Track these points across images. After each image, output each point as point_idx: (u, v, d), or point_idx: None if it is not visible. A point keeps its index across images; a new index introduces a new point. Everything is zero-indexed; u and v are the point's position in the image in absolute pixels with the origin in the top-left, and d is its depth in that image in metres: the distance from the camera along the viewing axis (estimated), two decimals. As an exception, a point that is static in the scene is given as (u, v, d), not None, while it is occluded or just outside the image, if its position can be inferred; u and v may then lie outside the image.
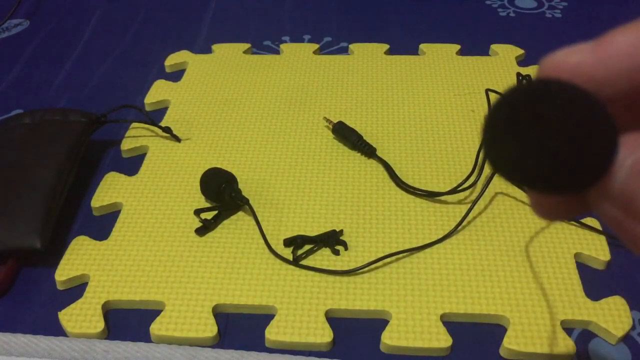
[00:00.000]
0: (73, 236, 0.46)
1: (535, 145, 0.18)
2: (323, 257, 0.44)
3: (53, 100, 0.61)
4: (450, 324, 0.40)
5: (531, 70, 0.62)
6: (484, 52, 0.66)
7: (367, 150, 0.52)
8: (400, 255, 0.44)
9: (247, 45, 0.67)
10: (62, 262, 0.44)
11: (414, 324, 0.39)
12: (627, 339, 0.39)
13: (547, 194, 0.19)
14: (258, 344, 0.39)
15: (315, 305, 0.41)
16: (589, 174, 0.18)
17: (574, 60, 0.19)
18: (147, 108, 0.60)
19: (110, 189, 0.50)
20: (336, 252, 0.44)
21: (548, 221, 0.22)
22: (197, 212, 0.47)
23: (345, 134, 0.53)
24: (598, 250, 0.44)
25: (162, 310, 0.41)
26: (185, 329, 0.39)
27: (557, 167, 0.18)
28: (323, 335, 0.39)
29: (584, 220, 0.46)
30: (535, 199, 0.22)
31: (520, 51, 0.65)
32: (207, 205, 0.48)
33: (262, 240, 0.45)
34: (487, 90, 0.53)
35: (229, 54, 0.66)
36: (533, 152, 0.18)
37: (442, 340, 0.39)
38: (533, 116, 0.18)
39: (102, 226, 0.48)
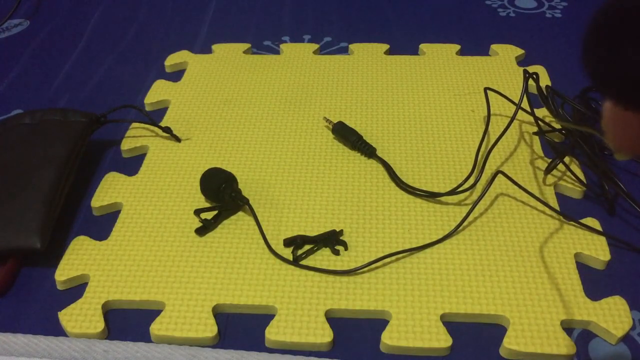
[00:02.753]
0: (73, 236, 0.46)
1: None
2: (323, 257, 0.44)
3: (53, 100, 0.61)
4: (450, 324, 0.40)
5: (531, 70, 0.62)
6: (484, 52, 0.66)
7: (367, 150, 0.52)
8: (400, 255, 0.44)
9: (247, 45, 0.67)
10: (62, 262, 0.44)
11: (414, 324, 0.39)
12: (627, 339, 0.39)
13: None
14: (258, 344, 0.39)
15: (315, 305, 0.41)
16: None
17: None
18: (147, 108, 0.60)
19: (110, 189, 0.50)
20: (336, 252, 0.44)
21: (622, 155, 0.21)
22: (197, 212, 0.47)
23: (345, 134, 0.53)
24: (598, 250, 0.44)
25: (162, 310, 0.41)
26: (185, 329, 0.39)
27: None
28: (323, 335, 0.39)
29: (583, 221, 0.46)
30: (616, 118, 0.20)
31: (520, 51, 0.65)
32: (207, 205, 0.48)
33: (262, 240, 0.45)
34: (487, 90, 0.52)
35: (229, 54, 0.66)
36: None
37: (442, 340, 0.39)
38: None
39: (102, 226, 0.48)
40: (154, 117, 0.56)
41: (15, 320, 0.41)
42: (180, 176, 0.51)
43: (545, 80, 0.60)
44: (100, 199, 0.49)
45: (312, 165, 0.52)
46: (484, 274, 0.42)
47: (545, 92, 0.53)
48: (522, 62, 0.65)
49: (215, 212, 0.47)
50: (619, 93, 0.18)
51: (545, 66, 0.63)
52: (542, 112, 0.56)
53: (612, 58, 0.18)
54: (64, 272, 0.43)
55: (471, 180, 0.49)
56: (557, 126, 0.52)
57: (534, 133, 0.53)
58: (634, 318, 0.40)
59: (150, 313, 0.41)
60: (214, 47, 0.67)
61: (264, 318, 0.41)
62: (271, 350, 0.39)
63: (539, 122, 0.51)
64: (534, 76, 0.51)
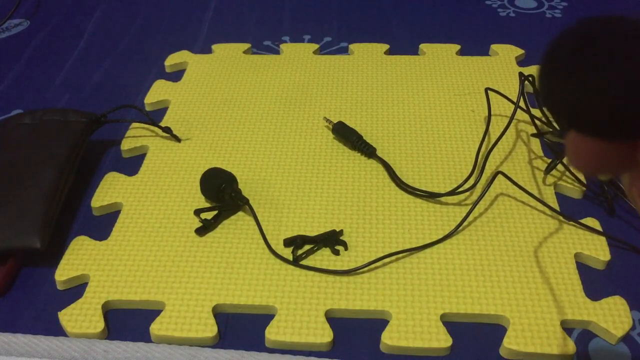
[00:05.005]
0: (73, 236, 0.46)
1: (607, 80, 0.17)
2: (323, 257, 0.44)
3: (53, 100, 0.61)
4: (450, 324, 0.40)
5: (531, 70, 0.62)
6: (484, 52, 0.66)
7: (367, 150, 0.52)
8: (400, 255, 0.44)
9: (247, 45, 0.67)
10: (62, 262, 0.44)
11: (414, 324, 0.39)
12: (627, 339, 0.39)
13: (604, 136, 0.18)
14: (258, 344, 0.39)
15: (315, 305, 0.41)
16: None
17: None
18: (147, 108, 0.60)
19: (110, 189, 0.50)
20: (336, 252, 0.44)
21: (585, 173, 0.20)
22: (197, 212, 0.47)
23: (345, 134, 0.53)
24: (598, 250, 0.44)
25: (162, 310, 0.41)
26: (185, 329, 0.39)
27: (625, 105, 0.17)
28: (323, 335, 0.39)
29: (583, 221, 0.46)
30: (579, 147, 0.20)
31: (520, 51, 0.65)
32: (207, 205, 0.48)
33: (262, 240, 0.45)
34: (487, 90, 0.53)
35: (229, 54, 0.66)
36: (605, 87, 0.17)
37: (442, 340, 0.39)
38: (604, 50, 0.17)
39: (102, 226, 0.48)
40: (154, 117, 0.56)
41: (15, 320, 0.41)
42: (180, 176, 0.51)
43: (545, 80, 0.60)
44: (100, 199, 0.49)
45: (312, 165, 0.52)
46: (484, 274, 0.42)
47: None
48: (522, 62, 0.65)
49: (215, 212, 0.47)
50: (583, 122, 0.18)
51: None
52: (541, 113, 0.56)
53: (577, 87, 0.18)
54: (64, 272, 0.43)
55: (471, 181, 0.49)
56: (557, 127, 0.52)
57: (532, 135, 0.52)
58: (634, 318, 0.40)
59: (150, 313, 0.41)
60: (214, 47, 0.67)
61: (264, 318, 0.41)
62: (271, 350, 0.39)
63: (537, 123, 0.51)
64: (530, 79, 0.51)
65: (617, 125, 0.17)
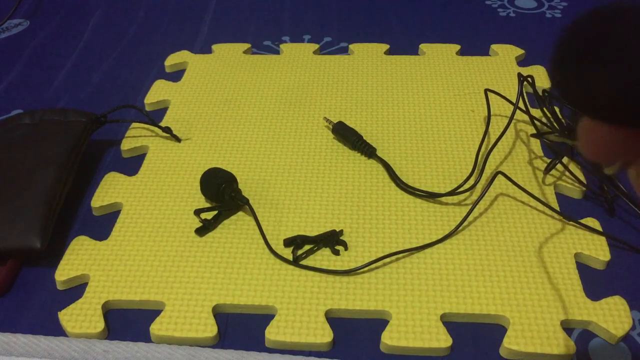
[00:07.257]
0: (73, 236, 0.46)
1: (620, 68, 0.17)
2: (323, 257, 0.44)
3: (53, 100, 0.61)
4: (450, 324, 0.40)
5: (531, 70, 0.62)
6: (484, 52, 0.66)
7: (367, 150, 0.52)
8: (400, 255, 0.44)
9: (247, 45, 0.67)
10: (62, 262, 0.44)
11: (414, 324, 0.39)
12: (627, 339, 0.39)
13: (616, 122, 0.18)
14: (258, 344, 0.39)
15: (315, 305, 0.41)
16: None
17: None
18: (147, 108, 0.60)
19: (110, 189, 0.50)
20: (336, 252, 0.44)
21: (595, 160, 0.21)
22: (197, 212, 0.47)
23: (345, 134, 0.53)
24: (598, 250, 0.44)
25: (162, 310, 0.41)
26: (185, 329, 0.39)
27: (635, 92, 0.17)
28: (323, 335, 0.39)
29: (583, 221, 0.46)
30: (591, 134, 0.20)
31: (520, 51, 0.65)
32: (207, 205, 0.48)
33: (262, 240, 0.45)
34: (487, 90, 0.53)
35: (229, 54, 0.66)
36: (619, 74, 0.17)
37: (442, 340, 0.39)
38: (617, 38, 0.17)
39: (102, 226, 0.48)
40: (154, 117, 0.56)
41: (15, 320, 0.41)
42: (180, 176, 0.51)
43: (545, 81, 0.60)
44: (100, 199, 0.49)
45: (312, 165, 0.52)
46: (484, 274, 0.42)
47: (541, 95, 0.53)
48: (522, 62, 0.65)
49: (215, 212, 0.47)
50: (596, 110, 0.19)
51: (545, 66, 0.63)
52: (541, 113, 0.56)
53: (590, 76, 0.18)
54: (64, 272, 0.43)
55: (471, 181, 0.49)
56: (556, 126, 0.52)
57: (532, 135, 0.52)
58: (634, 318, 0.40)
59: (150, 313, 0.41)
60: (214, 47, 0.67)
61: (264, 318, 0.41)
62: (271, 350, 0.39)
63: (537, 123, 0.51)
64: (529, 79, 0.51)
65: (629, 111, 0.18)
